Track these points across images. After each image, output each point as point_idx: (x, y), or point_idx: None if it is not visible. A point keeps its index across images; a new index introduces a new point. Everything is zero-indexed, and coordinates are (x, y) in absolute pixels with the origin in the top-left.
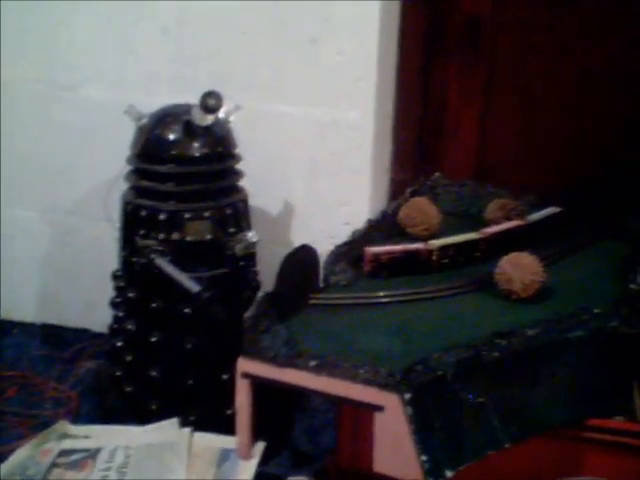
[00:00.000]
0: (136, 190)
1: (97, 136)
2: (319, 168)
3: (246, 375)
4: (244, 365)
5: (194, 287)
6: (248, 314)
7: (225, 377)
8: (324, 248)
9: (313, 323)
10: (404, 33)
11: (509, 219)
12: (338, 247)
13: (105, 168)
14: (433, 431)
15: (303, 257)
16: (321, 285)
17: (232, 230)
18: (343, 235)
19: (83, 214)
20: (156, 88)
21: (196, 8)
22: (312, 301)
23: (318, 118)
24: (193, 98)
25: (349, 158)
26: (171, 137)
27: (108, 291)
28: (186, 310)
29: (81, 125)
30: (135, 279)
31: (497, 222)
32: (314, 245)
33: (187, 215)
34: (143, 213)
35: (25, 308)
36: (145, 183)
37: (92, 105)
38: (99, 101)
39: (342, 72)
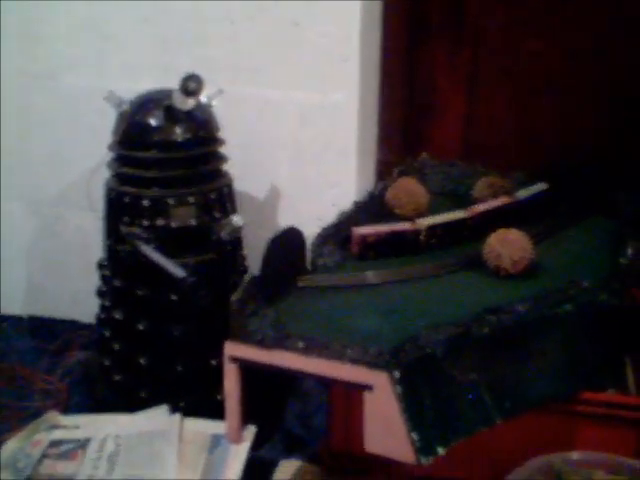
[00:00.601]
0: (119, 177)
1: (79, 125)
2: (304, 151)
3: (234, 359)
4: (231, 349)
5: (179, 273)
6: (234, 297)
7: (214, 362)
8: (311, 231)
9: (301, 305)
10: (388, 14)
11: (497, 197)
12: (325, 229)
13: (88, 157)
14: (423, 409)
15: (289, 239)
16: (309, 267)
17: (217, 215)
18: (330, 217)
19: (68, 204)
20: (138, 75)
21: None
22: (299, 283)
23: (302, 101)
24: (176, 84)
25: (335, 140)
26: (152, 122)
27: (95, 281)
28: (173, 297)
29: (63, 114)
30: (120, 267)
31: (485, 200)
32: (301, 228)
33: (171, 201)
34: (126, 200)
35: (12, 301)
36: (128, 170)
37: (73, 94)
38: (80, 89)
39: (325, 54)
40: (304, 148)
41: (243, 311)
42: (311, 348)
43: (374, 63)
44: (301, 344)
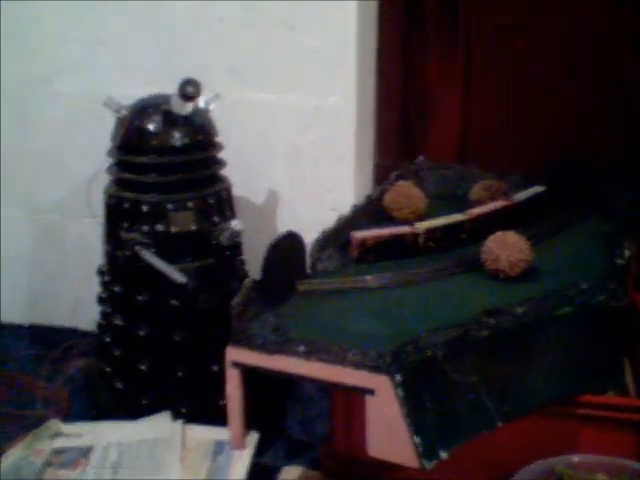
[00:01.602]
0: (118, 183)
1: (76, 130)
2: (302, 155)
3: (235, 364)
4: (233, 354)
5: (180, 278)
6: (235, 302)
7: (215, 368)
8: (311, 235)
9: (301, 309)
10: (383, 17)
11: (494, 199)
12: (324, 233)
13: (86, 163)
14: (425, 412)
15: (289, 244)
16: (309, 272)
17: (217, 220)
18: (329, 222)
19: (66, 211)
20: (134, 80)
21: None
22: (300, 288)
23: (299, 105)
24: (172, 88)
25: (332, 144)
26: (151, 128)
27: (95, 288)
28: (173, 302)
29: (60, 119)
30: (120, 273)
31: (482, 203)
32: (300, 232)
33: (170, 206)
34: (126, 205)
35: (13, 309)
36: (127, 175)
37: (70, 99)
38: (77, 94)
39: (321, 57)
40: (302, 152)
41: (244, 316)
42: (312, 352)
43: (370, 67)
44: (302, 348)
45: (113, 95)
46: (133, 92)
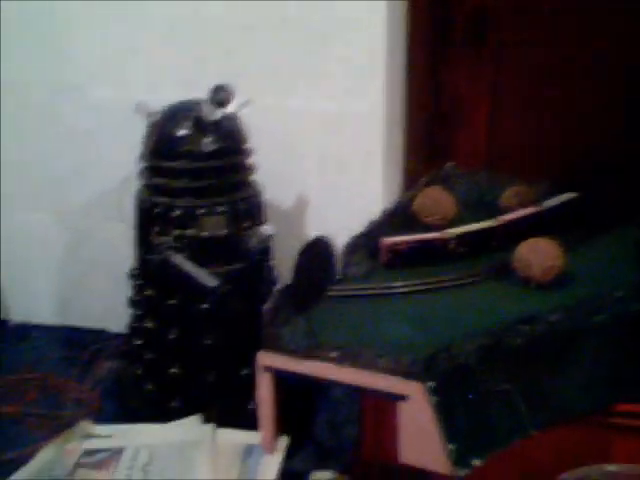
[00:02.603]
0: (149, 187)
1: (107, 136)
2: (332, 160)
3: (267, 368)
4: (264, 359)
5: (211, 282)
6: (266, 307)
7: (245, 372)
8: (340, 240)
9: (332, 314)
10: (412, 24)
11: (524, 206)
12: (354, 238)
13: (116, 168)
14: (458, 419)
15: (319, 248)
16: (338, 276)
17: (247, 224)
18: (358, 226)
19: (97, 215)
20: (164, 86)
21: (203, 6)
22: (330, 293)
23: (328, 110)
24: (201, 95)
25: (361, 149)
26: (182, 133)
27: (125, 291)
28: (204, 306)
29: (90, 125)
30: (152, 277)
31: (512, 209)
32: (331, 237)
33: (201, 211)
34: (157, 210)
35: (43, 311)
36: (158, 180)
37: (100, 105)
38: (107, 101)
39: (350, 65)
40: (331, 157)
41: (275, 321)
42: (344, 357)
43: (399, 73)
44: (334, 354)
45: (144, 101)
46: (165, 99)
